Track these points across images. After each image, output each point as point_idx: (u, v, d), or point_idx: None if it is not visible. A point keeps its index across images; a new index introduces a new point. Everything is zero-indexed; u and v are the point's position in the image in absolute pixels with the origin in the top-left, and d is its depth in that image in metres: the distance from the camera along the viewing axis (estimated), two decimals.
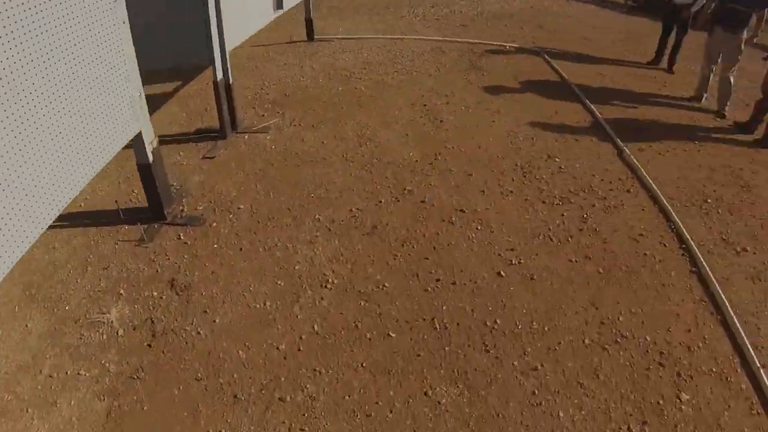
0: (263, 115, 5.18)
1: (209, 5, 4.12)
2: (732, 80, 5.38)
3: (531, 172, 4.26)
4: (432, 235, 3.57)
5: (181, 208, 3.76)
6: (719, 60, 5.47)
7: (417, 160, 4.39)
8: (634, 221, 3.80)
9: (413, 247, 3.46)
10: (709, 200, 4.10)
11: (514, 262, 3.37)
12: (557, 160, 4.46)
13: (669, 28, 6.47)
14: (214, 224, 3.62)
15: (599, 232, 3.66)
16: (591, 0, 10.36)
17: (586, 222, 3.74)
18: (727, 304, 3.05)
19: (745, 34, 5.14)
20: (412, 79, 6.00)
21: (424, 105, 5.36)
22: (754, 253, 3.53)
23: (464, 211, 3.79)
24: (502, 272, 3.28)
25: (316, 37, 7.38)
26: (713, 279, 3.24)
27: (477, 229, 3.63)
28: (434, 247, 3.46)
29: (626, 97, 5.84)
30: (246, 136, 4.78)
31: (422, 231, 3.60)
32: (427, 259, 3.38)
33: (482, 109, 5.31)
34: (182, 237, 3.50)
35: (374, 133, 4.80)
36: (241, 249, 3.42)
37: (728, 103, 5.50)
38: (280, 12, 5.97)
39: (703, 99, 5.81)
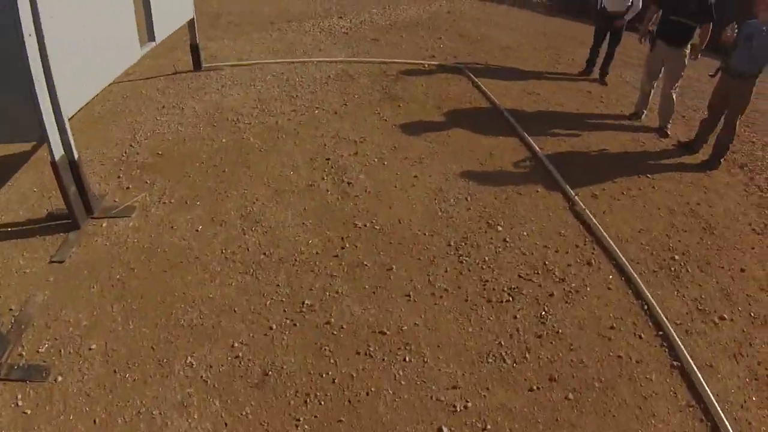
0: (128, 188, 3.94)
1: (29, 62, 2.77)
2: (674, 97, 4.90)
3: (469, 255, 3.33)
4: (344, 379, 2.56)
5: (19, 351, 2.67)
6: (661, 75, 4.95)
7: (318, 252, 3.30)
8: (602, 308, 3.02)
9: (320, 404, 2.44)
10: (676, 257, 3.51)
11: (458, 407, 2.44)
12: (500, 229, 3.57)
13: (601, 38, 5.93)
14: (60, 378, 2.52)
15: (562, 335, 2.83)
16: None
17: (545, 322, 2.89)
18: (716, 404, 2.54)
19: (688, 49, 4.63)
20: (314, 120, 4.91)
21: (327, 159, 4.28)
22: (732, 320, 3.09)
23: (385, 333, 2.78)
24: (444, 428, 2.36)
25: (204, 65, 6.11)
26: (697, 373, 2.68)
27: (405, 360, 2.65)
28: (349, 400, 2.46)
29: (565, 121, 5.14)
30: (104, 224, 3.55)
31: (331, 374, 2.58)
32: (341, 421, 2.37)
33: (401, 159, 4.32)
34: (20, 402, 2.41)
35: (263, 211, 3.67)
36: (94, 422, 2.34)
37: (670, 120, 5.04)
38: (152, 45, 4.68)
39: (643, 116, 5.33)
